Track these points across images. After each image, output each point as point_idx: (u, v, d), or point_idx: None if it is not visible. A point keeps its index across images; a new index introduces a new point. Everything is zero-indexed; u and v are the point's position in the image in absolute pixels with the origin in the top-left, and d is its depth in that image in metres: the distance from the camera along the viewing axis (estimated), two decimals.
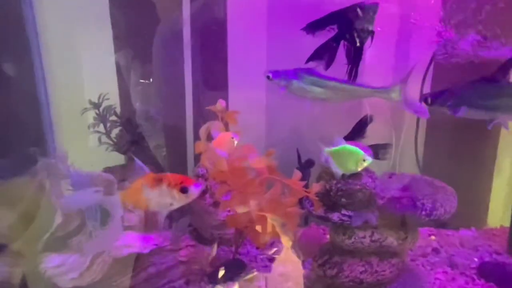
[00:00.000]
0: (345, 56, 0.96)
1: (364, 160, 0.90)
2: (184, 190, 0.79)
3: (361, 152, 0.91)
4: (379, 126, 1.35)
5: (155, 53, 1.36)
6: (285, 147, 1.32)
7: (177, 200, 0.80)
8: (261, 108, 1.40)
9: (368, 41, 0.93)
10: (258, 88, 1.35)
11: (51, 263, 0.97)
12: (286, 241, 1.03)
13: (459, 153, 1.36)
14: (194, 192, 0.80)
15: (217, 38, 1.33)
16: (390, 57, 1.31)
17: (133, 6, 1.35)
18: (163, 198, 0.80)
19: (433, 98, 1.03)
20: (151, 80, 1.36)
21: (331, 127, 1.30)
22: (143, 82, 1.36)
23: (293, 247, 1.19)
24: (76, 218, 1.04)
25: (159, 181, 0.80)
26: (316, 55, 0.95)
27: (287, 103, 1.35)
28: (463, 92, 0.98)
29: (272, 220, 1.00)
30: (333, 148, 0.93)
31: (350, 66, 0.96)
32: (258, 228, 1.02)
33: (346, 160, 0.91)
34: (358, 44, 0.92)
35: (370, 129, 1.35)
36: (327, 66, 0.95)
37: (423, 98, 1.04)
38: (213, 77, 1.38)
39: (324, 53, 0.94)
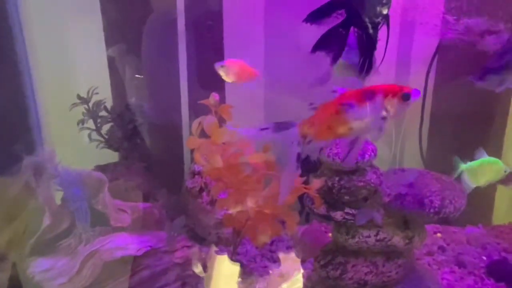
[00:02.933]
0: (357, 46, 0.81)
1: (505, 171, 0.91)
2: (406, 97, 0.67)
3: (501, 162, 0.92)
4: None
5: (148, 46, 1.31)
6: None
7: (396, 111, 0.67)
8: (259, 103, 1.36)
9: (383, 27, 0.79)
10: (256, 83, 1.30)
11: (39, 268, 0.93)
12: None
13: (464, 147, 1.32)
14: (415, 98, 0.68)
15: (213, 31, 1.28)
16: (392, 49, 1.27)
17: None
18: (376, 113, 0.66)
19: None
20: (142, 75, 1.31)
21: None
22: (136, 76, 1.31)
23: (293, 246, 1.15)
24: (65, 220, 0.99)
25: (370, 94, 0.66)
26: (322, 44, 0.81)
27: (285, 98, 1.30)
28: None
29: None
30: (473, 162, 0.93)
31: (362, 57, 0.82)
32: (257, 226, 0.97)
33: (486, 172, 0.92)
34: (370, 31, 0.78)
35: None
36: (336, 57, 0.81)
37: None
38: (209, 72, 1.34)
39: (332, 42, 0.80)
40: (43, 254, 0.95)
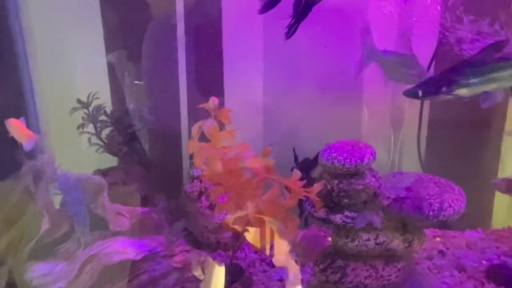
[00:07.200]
0: (292, 6, 0.78)
1: None
2: None
3: None
4: (377, 124, 1.32)
5: (147, 52, 1.32)
6: (283, 147, 1.28)
7: None
8: (258, 108, 1.36)
9: None
10: (255, 88, 1.31)
11: (37, 272, 0.92)
12: (284, 245, 0.98)
13: (462, 152, 1.33)
14: None
15: (212, 37, 1.29)
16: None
17: (125, 3, 1.31)
18: None
19: (423, 90, 0.92)
20: (142, 80, 1.32)
21: (328, 127, 1.26)
22: (135, 82, 1.32)
23: (292, 251, 1.14)
24: (64, 224, 0.99)
25: None
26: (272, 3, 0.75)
27: (284, 103, 1.31)
28: (449, 75, 0.90)
29: (270, 223, 0.95)
30: None
31: (294, 19, 0.80)
32: (256, 231, 0.97)
33: None
34: None
35: (369, 128, 1.33)
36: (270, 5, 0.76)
37: (412, 93, 0.93)
38: (208, 77, 1.34)
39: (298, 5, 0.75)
40: (42, 259, 0.94)
